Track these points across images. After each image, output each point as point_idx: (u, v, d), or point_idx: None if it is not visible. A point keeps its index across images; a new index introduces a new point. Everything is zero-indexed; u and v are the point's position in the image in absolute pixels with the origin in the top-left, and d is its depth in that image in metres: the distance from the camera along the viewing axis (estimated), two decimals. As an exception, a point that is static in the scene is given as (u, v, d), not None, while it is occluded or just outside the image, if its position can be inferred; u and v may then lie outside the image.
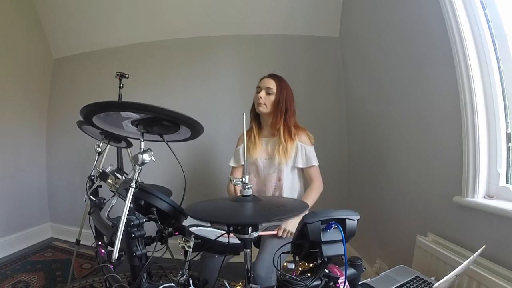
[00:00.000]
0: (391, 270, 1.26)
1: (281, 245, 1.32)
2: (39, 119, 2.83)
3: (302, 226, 0.77)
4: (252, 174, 1.60)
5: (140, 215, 0.88)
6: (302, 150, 1.54)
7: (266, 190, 1.57)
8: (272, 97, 1.54)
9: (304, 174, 1.61)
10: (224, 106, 2.50)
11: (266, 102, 1.54)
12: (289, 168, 1.55)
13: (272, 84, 1.55)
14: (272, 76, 1.59)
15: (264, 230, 1.48)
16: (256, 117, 1.65)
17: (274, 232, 1.39)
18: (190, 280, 0.96)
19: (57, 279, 2.06)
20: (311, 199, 1.50)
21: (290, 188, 1.57)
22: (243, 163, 1.60)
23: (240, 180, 0.90)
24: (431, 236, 1.37)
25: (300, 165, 1.54)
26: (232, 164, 1.66)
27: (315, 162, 1.55)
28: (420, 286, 1.13)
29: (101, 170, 1.17)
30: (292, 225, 1.38)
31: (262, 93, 1.54)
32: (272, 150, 1.57)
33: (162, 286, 0.79)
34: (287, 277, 0.79)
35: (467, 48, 1.17)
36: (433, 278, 1.17)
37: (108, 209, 1.00)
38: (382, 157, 1.88)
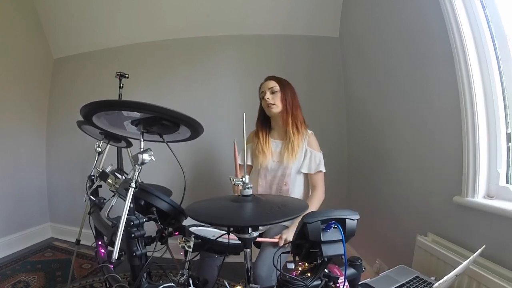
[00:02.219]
0: (391, 270, 1.27)
1: (277, 246, 1.33)
2: (39, 119, 2.83)
3: (302, 226, 0.77)
4: (259, 177, 1.60)
5: (140, 215, 0.88)
6: (312, 156, 1.54)
7: (272, 193, 1.58)
8: (278, 94, 1.55)
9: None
10: (225, 106, 2.50)
11: (275, 101, 1.54)
12: (295, 172, 1.55)
13: (273, 84, 1.56)
14: (270, 77, 1.61)
15: (263, 233, 1.48)
16: (264, 123, 1.64)
17: (275, 240, 1.38)
18: (190, 280, 0.96)
19: (57, 279, 2.06)
20: (314, 207, 1.48)
21: (296, 192, 1.57)
22: (249, 163, 1.63)
23: (240, 180, 0.90)
24: (431, 236, 1.37)
25: (305, 170, 1.54)
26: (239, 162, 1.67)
27: (322, 168, 1.54)
28: (420, 286, 1.13)
29: (101, 170, 1.17)
30: (292, 234, 1.37)
31: (268, 94, 1.55)
32: (281, 152, 1.57)
33: (162, 286, 0.79)
34: (287, 277, 0.79)
35: (467, 48, 1.17)
36: (433, 278, 1.18)
37: (108, 209, 1.00)
38: (382, 157, 1.88)
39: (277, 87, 1.55)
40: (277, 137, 1.63)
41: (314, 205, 1.49)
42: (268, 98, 1.54)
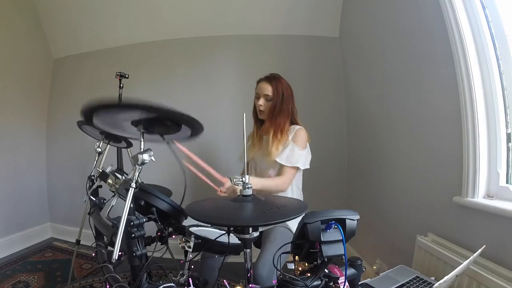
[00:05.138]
0: (391, 270, 1.27)
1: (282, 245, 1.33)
2: (39, 119, 2.83)
3: (302, 226, 0.77)
4: (251, 170, 1.64)
5: (140, 215, 0.88)
6: (291, 150, 1.51)
7: None
8: (270, 103, 1.56)
9: (299, 173, 1.60)
10: (225, 106, 2.50)
11: (265, 109, 1.58)
12: (277, 166, 1.55)
13: (269, 90, 1.55)
14: (268, 80, 1.58)
15: (265, 232, 1.47)
16: (258, 119, 1.67)
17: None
18: (190, 280, 0.96)
19: (57, 279, 2.06)
20: (265, 183, 1.45)
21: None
22: (248, 160, 1.63)
23: (240, 179, 0.90)
24: (431, 236, 1.37)
25: (279, 160, 1.50)
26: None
27: (296, 164, 1.50)
28: (420, 286, 1.13)
29: (101, 170, 1.17)
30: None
31: (262, 101, 1.57)
32: (265, 146, 1.59)
33: (162, 286, 0.79)
34: (287, 277, 0.79)
35: (467, 48, 1.17)
36: (433, 278, 1.18)
37: (108, 209, 1.00)
38: (382, 157, 1.88)
39: (271, 95, 1.55)
40: (266, 132, 1.64)
41: (268, 182, 1.47)
42: (260, 105, 1.57)
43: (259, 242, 1.47)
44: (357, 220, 0.79)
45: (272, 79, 1.59)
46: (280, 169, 1.54)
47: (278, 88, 1.56)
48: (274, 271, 1.23)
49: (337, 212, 0.77)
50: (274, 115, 1.56)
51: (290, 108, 1.60)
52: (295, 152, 1.52)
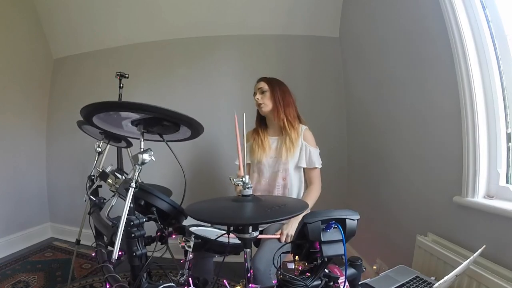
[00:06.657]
0: (391, 270, 1.26)
1: (281, 243, 1.34)
2: (39, 119, 2.83)
3: (302, 226, 0.77)
4: (257, 174, 1.63)
5: (140, 215, 0.88)
6: (307, 151, 1.57)
7: (272, 189, 1.59)
8: (267, 94, 1.60)
9: (299, 172, 1.61)
10: (225, 106, 2.49)
11: (264, 101, 1.60)
12: (293, 167, 1.57)
13: (262, 84, 1.63)
14: (261, 78, 1.67)
15: (263, 231, 1.48)
16: (262, 121, 1.70)
17: (277, 236, 1.40)
18: (190, 280, 0.96)
19: (57, 279, 2.06)
20: (311, 201, 1.52)
21: (295, 187, 1.59)
22: (248, 162, 1.65)
23: (241, 179, 0.90)
24: (431, 236, 1.37)
25: (303, 165, 1.56)
26: (237, 162, 1.67)
27: (318, 165, 1.57)
28: (420, 286, 1.13)
29: (101, 170, 1.17)
30: (293, 228, 1.38)
31: (258, 95, 1.62)
32: (279, 148, 1.59)
33: (162, 286, 0.79)
34: (287, 277, 0.79)
35: (467, 48, 1.17)
36: (433, 278, 1.18)
37: (108, 209, 1.00)
38: (382, 157, 1.88)
39: (265, 87, 1.61)
40: (273, 134, 1.66)
41: (313, 197, 1.54)
42: (257, 98, 1.61)
43: (258, 242, 1.47)
44: (357, 220, 0.79)
45: (262, 77, 1.67)
46: (307, 173, 1.60)
47: (271, 81, 1.64)
48: (271, 266, 1.24)
49: (337, 212, 0.78)
50: (278, 103, 1.59)
51: (292, 101, 1.63)
52: (312, 153, 1.57)
